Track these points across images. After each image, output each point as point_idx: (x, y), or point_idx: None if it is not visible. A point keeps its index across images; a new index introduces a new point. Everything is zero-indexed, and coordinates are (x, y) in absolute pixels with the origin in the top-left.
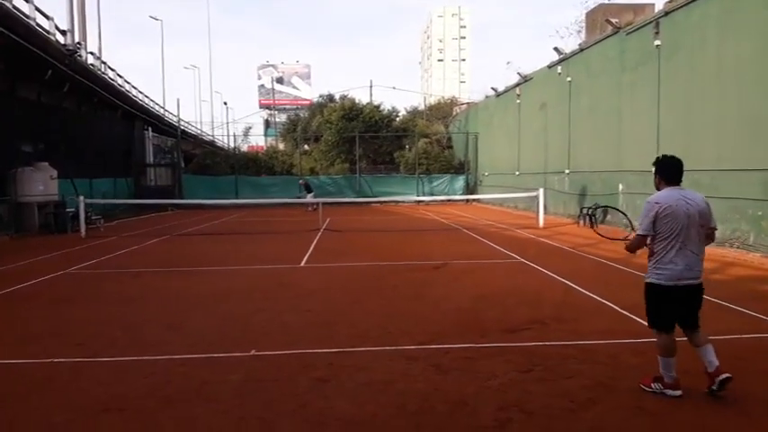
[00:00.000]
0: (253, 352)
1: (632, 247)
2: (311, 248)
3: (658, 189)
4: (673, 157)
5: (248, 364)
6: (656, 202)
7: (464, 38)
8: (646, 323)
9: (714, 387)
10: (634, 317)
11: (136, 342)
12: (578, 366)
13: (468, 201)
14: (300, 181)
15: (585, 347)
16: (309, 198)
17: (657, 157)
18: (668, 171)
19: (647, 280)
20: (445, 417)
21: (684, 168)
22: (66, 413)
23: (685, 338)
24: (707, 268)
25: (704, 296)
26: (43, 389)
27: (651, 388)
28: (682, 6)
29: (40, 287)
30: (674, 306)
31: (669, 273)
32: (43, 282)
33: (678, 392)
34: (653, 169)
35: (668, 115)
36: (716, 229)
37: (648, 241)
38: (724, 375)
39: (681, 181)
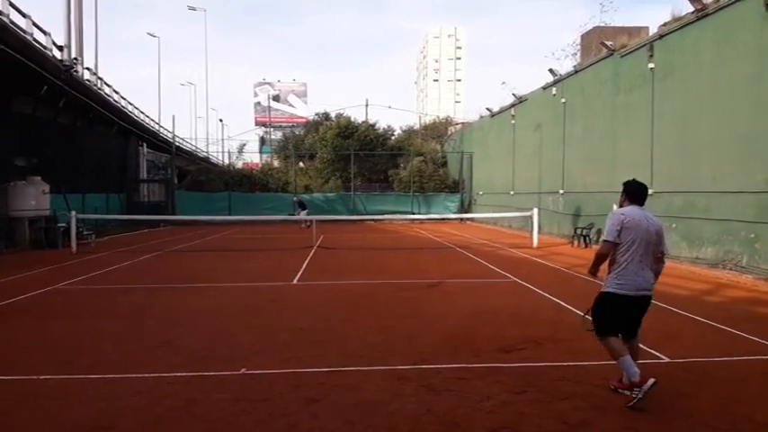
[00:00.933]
0: (243, 370)
1: (600, 255)
2: (304, 266)
3: (621, 207)
4: (641, 183)
5: (238, 383)
6: (622, 213)
7: (459, 58)
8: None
9: (639, 396)
10: None
11: (125, 359)
12: (572, 388)
13: (462, 219)
14: (294, 198)
15: (579, 368)
16: (303, 215)
17: (627, 181)
18: (635, 193)
19: (607, 289)
20: None
21: (679, 190)
22: None
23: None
24: (701, 290)
25: (699, 318)
26: (29, 407)
27: (634, 397)
28: (676, 30)
29: (29, 303)
30: (627, 314)
31: (630, 283)
32: (32, 297)
33: (652, 380)
34: (621, 189)
35: (662, 137)
36: (666, 254)
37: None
38: (651, 380)
39: (644, 203)
